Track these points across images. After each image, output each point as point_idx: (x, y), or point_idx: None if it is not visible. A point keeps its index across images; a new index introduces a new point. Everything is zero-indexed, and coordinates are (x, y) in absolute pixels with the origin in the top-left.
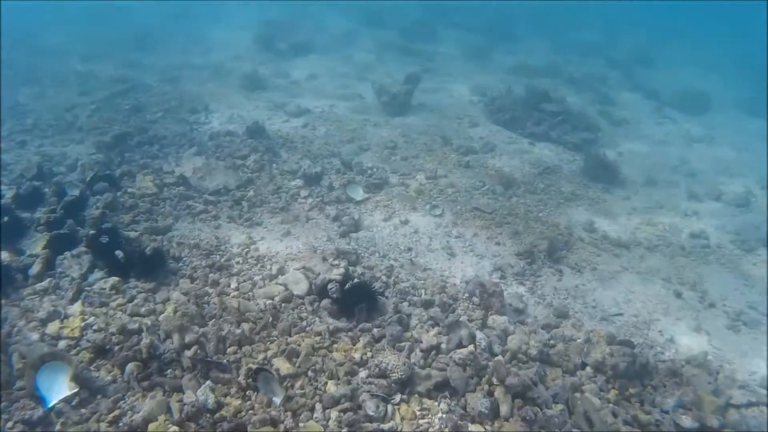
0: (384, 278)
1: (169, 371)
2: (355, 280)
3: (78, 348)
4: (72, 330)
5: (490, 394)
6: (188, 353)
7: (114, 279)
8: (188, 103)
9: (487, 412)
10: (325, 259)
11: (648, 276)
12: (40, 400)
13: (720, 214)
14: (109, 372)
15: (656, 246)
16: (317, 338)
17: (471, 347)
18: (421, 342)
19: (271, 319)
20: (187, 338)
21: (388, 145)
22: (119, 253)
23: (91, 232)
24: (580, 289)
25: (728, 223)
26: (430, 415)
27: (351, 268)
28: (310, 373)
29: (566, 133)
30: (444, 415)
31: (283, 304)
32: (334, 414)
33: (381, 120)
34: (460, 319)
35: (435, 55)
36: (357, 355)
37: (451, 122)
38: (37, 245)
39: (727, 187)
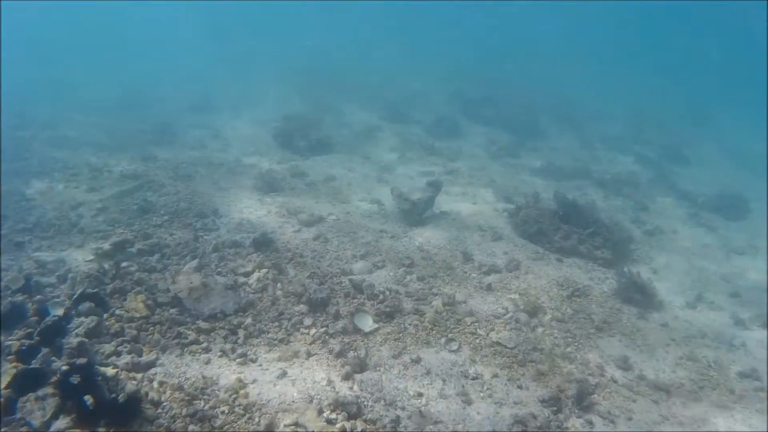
0: None
1: None
2: None
3: None
4: None
5: None
6: None
7: None
8: (198, 205)
9: None
10: (321, 412)
11: (692, 429)
12: None
13: None
14: None
15: (701, 388)
16: None
17: None
18: None
19: None
20: None
21: (404, 263)
22: (88, 399)
23: (63, 368)
24: None
25: None
26: None
27: (350, 426)
28: None
29: (597, 248)
30: None
31: None
32: None
33: (399, 231)
34: None
35: (459, 155)
36: None
37: (473, 234)
38: (2, 381)
39: None
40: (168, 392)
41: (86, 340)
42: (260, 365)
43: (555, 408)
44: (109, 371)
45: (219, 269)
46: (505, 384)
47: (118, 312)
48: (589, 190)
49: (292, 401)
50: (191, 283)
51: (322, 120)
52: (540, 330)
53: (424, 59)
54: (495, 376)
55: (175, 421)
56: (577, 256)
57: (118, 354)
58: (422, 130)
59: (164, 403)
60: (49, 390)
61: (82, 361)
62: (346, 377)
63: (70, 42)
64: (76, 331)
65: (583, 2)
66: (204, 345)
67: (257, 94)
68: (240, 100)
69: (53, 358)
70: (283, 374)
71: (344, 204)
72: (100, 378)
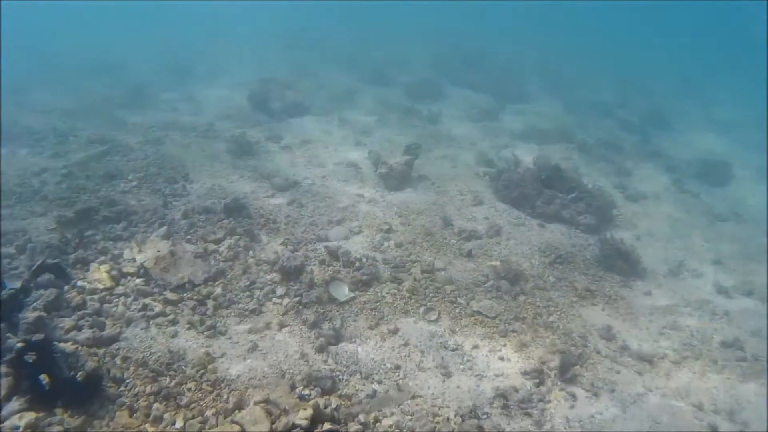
0: (362, 417)
1: None
2: (326, 427)
3: None
4: None
5: None
6: None
7: (31, 416)
8: (168, 170)
9: None
10: (293, 388)
11: (676, 400)
12: None
13: (754, 314)
14: None
15: (684, 359)
16: None
17: None
18: None
19: None
20: None
21: (382, 228)
22: (44, 379)
23: (18, 345)
24: (596, 420)
25: (764, 327)
26: None
27: (323, 402)
28: None
29: (580, 213)
30: None
31: None
32: None
33: (377, 195)
34: None
35: (440, 117)
36: None
37: (453, 199)
38: None
39: (759, 277)
40: (131, 368)
41: (45, 314)
42: (230, 338)
43: (537, 380)
44: (69, 347)
45: (188, 236)
46: (486, 355)
47: (80, 283)
48: (572, 154)
49: (263, 376)
50: (158, 251)
51: (299, 82)
52: (522, 298)
53: (409, 22)
54: (475, 347)
55: (138, 400)
56: (560, 221)
57: (79, 328)
58: (403, 93)
59: (127, 381)
60: (2, 369)
61: (39, 337)
62: (321, 349)
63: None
64: (35, 304)
65: None
66: (171, 317)
67: (237, 59)
68: (219, 64)
69: (9, 334)
70: (254, 347)
71: (320, 168)
72: (58, 355)
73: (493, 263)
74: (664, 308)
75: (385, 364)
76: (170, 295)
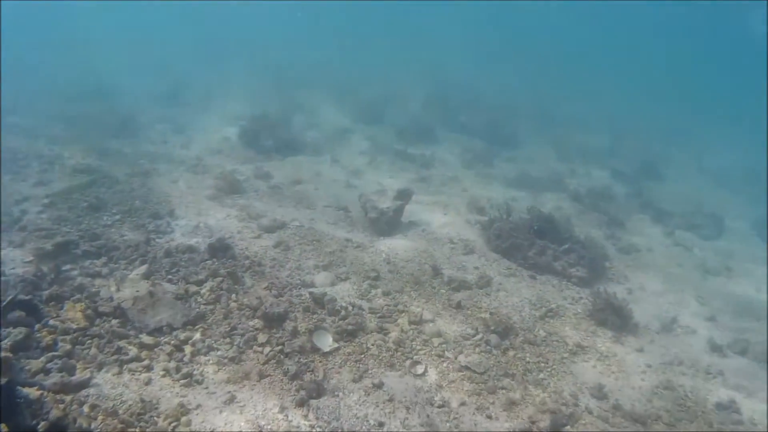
0: None
1: None
2: None
3: None
4: None
5: None
6: None
7: None
8: (153, 205)
9: None
10: None
11: None
12: None
13: (748, 374)
14: None
15: (678, 421)
16: None
17: None
18: None
19: None
20: None
21: (369, 275)
22: (2, 429)
23: None
24: None
25: (759, 388)
26: None
27: None
28: None
29: (572, 265)
30: None
31: None
32: None
33: (365, 241)
34: None
35: (432, 161)
36: None
37: (443, 247)
38: None
39: (753, 335)
40: (100, 418)
41: (11, 355)
42: (206, 388)
43: None
44: (33, 393)
45: (170, 276)
46: (474, 413)
47: (52, 322)
48: (564, 203)
49: (239, 431)
50: (137, 291)
51: (290, 119)
52: (511, 353)
53: (402, 61)
54: (463, 404)
55: None
56: (551, 273)
57: (47, 372)
58: (395, 135)
59: (95, 431)
60: None
61: (2, 381)
62: (301, 403)
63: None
64: (2, 344)
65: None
66: (146, 362)
67: (228, 90)
68: (210, 95)
69: None
70: (232, 399)
71: (309, 210)
72: (21, 401)
73: (483, 315)
74: (657, 366)
75: (368, 421)
76: (146, 339)
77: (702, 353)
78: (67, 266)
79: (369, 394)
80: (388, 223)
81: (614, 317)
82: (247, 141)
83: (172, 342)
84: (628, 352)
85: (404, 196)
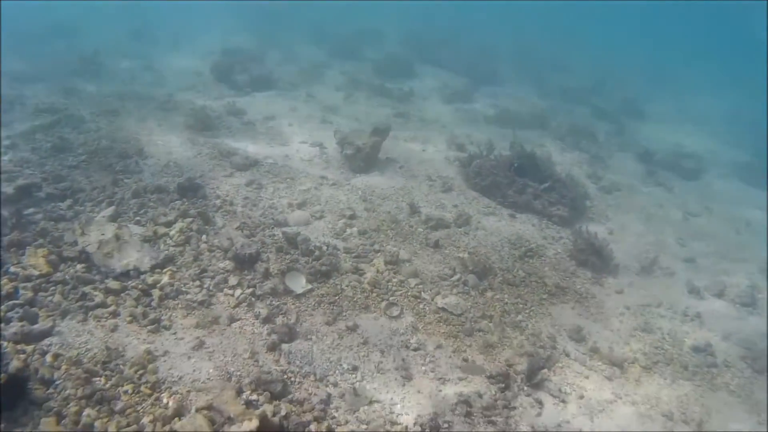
0: (314, 427)
1: None
2: None
3: None
4: None
5: None
6: None
7: None
8: (121, 144)
9: None
10: (240, 392)
11: (645, 409)
12: None
13: (725, 317)
14: None
15: (655, 363)
16: None
17: None
18: None
19: None
20: None
21: (345, 213)
22: None
23: None
24: (563, 429)
25: (735, 330)
26: None
27: (272, 409)
28: None
29: (553, 204)
30: None
31: None
32: None
33: (341, 178)
34: None
35: (410, 97)
36: None
37: (421, 184)
38: None
39: (730, 278)
40: (63, 368)
41: None
42: (174, 333)
43: (503, 385)
44: None
45: (138, 218)
46: (450, 356)
47: (13, 269)
48: (545, 140)
49: (208, 378)
50: (103, 235)
51: (265, 54)
52: (489, 294)
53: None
54: (439, 346)
55: (67, 404)
56: (532, 212)
57: (7, 321)
58: (372, 70)
59: (57, 382)
60: None
61: None
62: (272, 348)
63: None
64: None
65: None
66: (111, 308)
67: (202, 26)
68: (182, 30)
69: None
70: (200, 344)
71: (283, 146)
72: None
73: (461, 255)
74: (635, 308)
75: (341, 365)
76: (112, 284)
77: (680, 295)
78: (30, 210)
79: (343, 338)
80: (364, 160)
81: (595, 258)
82: (220, 76)
83: (140, 286)
84: (607, 293)
85: (381, 132)
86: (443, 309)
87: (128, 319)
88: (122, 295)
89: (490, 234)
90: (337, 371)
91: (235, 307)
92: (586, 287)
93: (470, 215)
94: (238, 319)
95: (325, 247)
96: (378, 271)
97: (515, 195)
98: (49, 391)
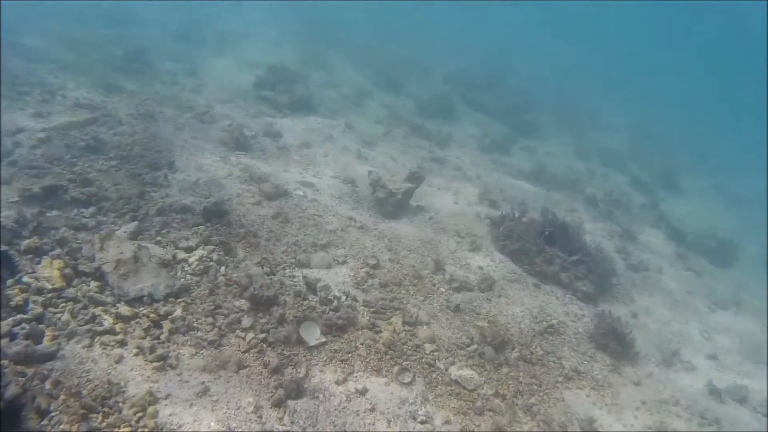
0: None
1: None
2: None
3: None
4: None
5: None
6: None
7: None
8: (153, 153)
9: None
10: None
11: None
12: None
13: (745, 426)
14: None
15: None
16: None
17: None
18: None
19: None
20: None
21: (368, 262)
22: None
23: None
24: None
25: None
26: None
27: None
28: None
29: (579, 278)
30: None
31: None
32: None
33: (369, 222)
34: None
35: (448, 141)
36: None
37: (449, 239)
38: None
39: (753, 382)
40: (61, 398)
41: None
42: (180, 374)
43: None
44: None
45: (159, 238)
46: None
47: (26, 279)
48: (578, 205)
49: None
50: (122, 253)
51: (309, 75)
52: (505, 370)
53: (430, 29)
54: (447, 422)
55: None
56: (557, 284)
57: (12, 337)
58: (415, 106)
59: (53, 414)
60: None
61: None
62: (278, 404)
63: None
64: None
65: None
66: (119, 337)
67: (250, 33)
68: (230, 36)
69: None
70: (205, 391)
71: (315, 178)
72: None
73: (480, 324)
74: (652, 404)
75: (345, 431)
76: (124, 309)
77: (699, 395)
78: (53, 212)
79: (351, 401)
80: (395, 206)
81: (615, 344)
82: (261, 92)
83: (151, 315)
84: (624, 383)
85: (416, 179)
86: (456, 382)
87: (135, 351)
88: (132, 323)
89: (513, 303)
90: None
91: (245, 352)
92: (603, 374)
93: (495, 280)
94: (246, 366)
95: (344, 298)
96: (395, 331)
97: (543, 264)
98: (43, 423)
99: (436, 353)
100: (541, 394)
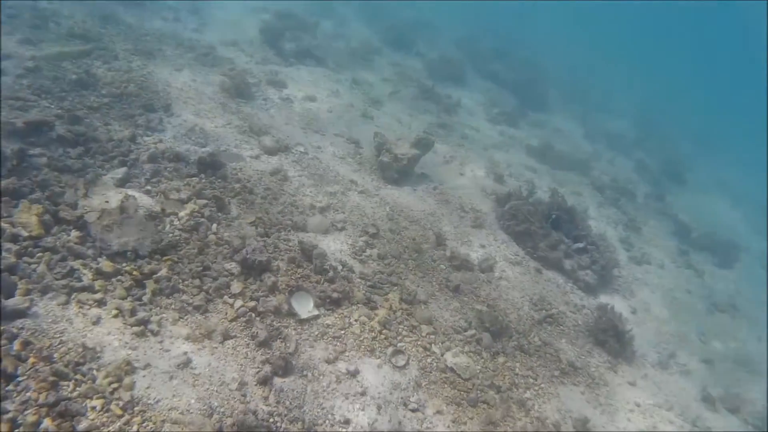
0: None
1: None
2: None
3: None
4: None
5: None
6: None
7: None
8: (149, 93)
9: None
10: None
11: None
12: None
13: None
14: None
15: None
16: None
17: None
18: None
19: None
20: None
21: (367, 230)
22: None
23: None
24: None
25: None
26: None
27: None
28: None
29: (582, 267)
30: None
31: None
32: None
33: (371, 186)
34: None
35: (457, 108)
36: None
37: (452, 212)
38: None
39: (748, 392)
40: (31, 360)
41: None
42: (161, 341)
43: None
44: None
45: (149, 187)
46: (448, 426)
47: (1, 224)
48: (584, 189)
49: (187, 409)
50: (107, 201)
51: (318, 24)
52: (501, 360)
53: None
54: (439, 412)
55: (25, 410)
56: (559, 270)
57: None
58: (424, 68)
59: (20, 379)
60: None
61: None
62: (264, 381)
63: None
64: None
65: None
66: (98, 295)
67: None
68: None
69: None
70: (187, 362)
71: (318, 134)
72: None
73: (479, 307)
74: (646, 406)
75: (333, 415)
76: (105, 265)
77: (693, 401)
78: (36, 150)
79: (341, 382)
80: (399, 172)
81: (614, 341)
82: (268, 39)
83: (134, 273)
84: (620, 383)
85: (423, 145)
86: (451, 369)
87: (114, 312)
88: (113, 280)
89: (513, 288)
90: (327, 422)
91: (232, 320)
92: (600, 372)
93: (496, 261)
94: (233, 337)
95: (340, 268)
96: (391, 309)
97: (547, 249)
98: (8, 389)
99: (432, 336)
100: (536, 388)
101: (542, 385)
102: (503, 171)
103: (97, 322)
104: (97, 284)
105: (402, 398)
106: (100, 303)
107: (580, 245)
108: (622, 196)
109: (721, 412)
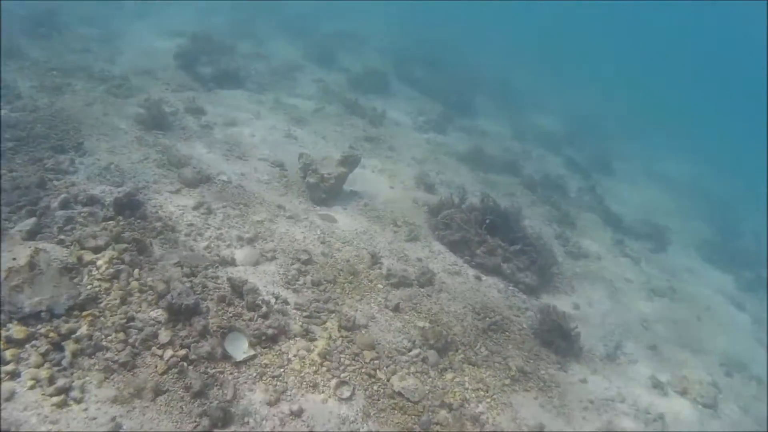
0: None
1: None
2: None
3: None
4: None
5: None
6: None
7: None
8: (58, 133)
9: None
10: None
11: None
12: None
13: (687, 420)
14: None
15: None
16: None
17: None
18: None
19: None
20: None
21: (299, 257)
22: None
23: None
24: None
25: None
26: None
27: None
28: None
29: (521, 270)
30: None
31: None
32: None
33: (300, 210)
34: None
35: (383, 119)
36: None
37: (385, 228)
38: None
39: (692, 371)
40: None
41: None
42: (86, 408)
43: None
44: None
45: (62, 236)
46: None
47: None
48: (516, 189)
49: None
50: (14, 259)
51: (236, 45)
52: (449, 376)
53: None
54: None
55: None
56: (499, 275)
57: None
58: (348, 81)
59: None
60: None
61: None
62: None
63: None
64: None
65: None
66: (11, 367)
67: None
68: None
69: None
70: (116, 428)
71: (241, 161)
72: None
73: (422, 324)
74: (599, 403)
75: None
76: (16, 331)
77: (643, 389)
78: None
79: (285, 424)
80: (327, 192)
81: (561, 340)
82: (183, 64)
83: (51, 335)
84: (572, 382)
85: (350, 163)
86: (399, 394)
87: (30, 383)
88: (27, 346)
89: (454, 299)
90: None
91: (163, 373)
92: (550, 373)
93: (434, 273)
94: (165, 391)
95: (273, 301)
96: (331, 338)
97: (484, 256)
98: None
99: (376, 361)
100: (488, 400)
101: (494, 396)
102: (434, 180)
103: (10, 398)
104: (9, 354)
105: None
106: (13, 375)
107: (517, 247)
108: (554, 193)
109: (671, 396)
